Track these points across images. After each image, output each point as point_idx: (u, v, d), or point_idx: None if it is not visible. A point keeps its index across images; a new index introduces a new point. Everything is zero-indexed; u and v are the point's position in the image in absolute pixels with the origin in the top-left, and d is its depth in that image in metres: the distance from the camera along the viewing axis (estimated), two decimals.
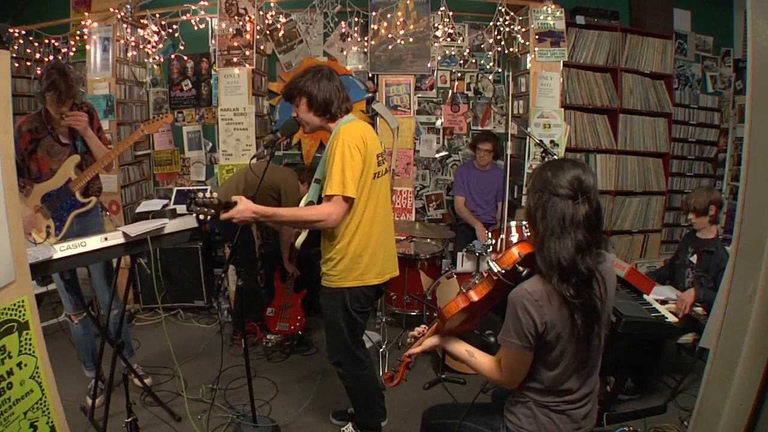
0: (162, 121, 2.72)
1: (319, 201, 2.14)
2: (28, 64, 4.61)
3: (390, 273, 2.22)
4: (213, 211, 1.83)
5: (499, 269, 1.40)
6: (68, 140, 2.61)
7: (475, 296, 1.46)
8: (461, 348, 1.57)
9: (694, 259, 2.91)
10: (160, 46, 4.30)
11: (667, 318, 2.41)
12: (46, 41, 4.28)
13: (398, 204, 4.14)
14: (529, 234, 3.08)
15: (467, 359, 1.54)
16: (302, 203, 2.20)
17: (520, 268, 1.41)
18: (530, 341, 1.35)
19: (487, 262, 1.45)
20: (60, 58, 4.31)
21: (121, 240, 2.13)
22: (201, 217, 1.84)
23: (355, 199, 1.98)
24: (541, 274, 1.34)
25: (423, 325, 1.68)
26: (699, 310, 2.69)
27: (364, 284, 2.12)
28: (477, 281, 1.54)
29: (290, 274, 3.46)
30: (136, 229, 2.17)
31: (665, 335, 2.60)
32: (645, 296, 2.61)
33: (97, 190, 2.78)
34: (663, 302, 2.67)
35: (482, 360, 1.52)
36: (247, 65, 3.83)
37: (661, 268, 3.33)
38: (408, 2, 3.94)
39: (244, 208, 1.86)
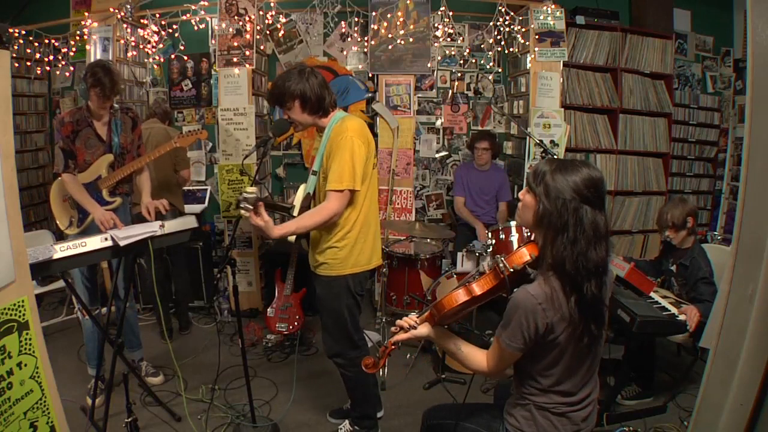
0: (196, 137, 2.76)
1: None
2: (28, 64, 4.62)
3: (378, 258, 2.31)
4: (251, 207, 1.88)
5: (509, 267, 1.39)
6: (106, 137, 2.67)
7: (477, 290, 1.45)
8: (450, 341, 1.57)
9: (674, 268, 2.89)
10: (160, 46, 4.30)
11: (678, 316, 2.40)
12: (46, 41, 4.28)
13: (398, 204, 4.14)
14: (530, 235, 3.08)
15: (454, 351, 1.54)
16: (300, 194, 2.25)
17: (530, 270, 1.41)
18: (527, 343, 1.36)
19: (497, 258, 1.43)
20: (60, 57, 4.32)
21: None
22: (247, 215, 1.88)
23: (359, 191, 2.08)
24: (546, 277, 1.34)
25: (413, 315, 1.66)
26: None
27: (362, 269, 2.21)
28: (477, 275, 1.52)
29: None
30: (125, 234, 2.18)
31: (678, 333, 2.59)
32: (653, 295, 2.60)
33: (125, 192, 2.83)
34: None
35: (468, 352, 1.53)
36: (247, 65, 3.83)
37: (644, 262, 3.29)
38: (408, 2, 3.94)
39: (269, 230, 1.94)
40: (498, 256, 1.44)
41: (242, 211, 1.87)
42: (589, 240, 1.29)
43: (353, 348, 2.27)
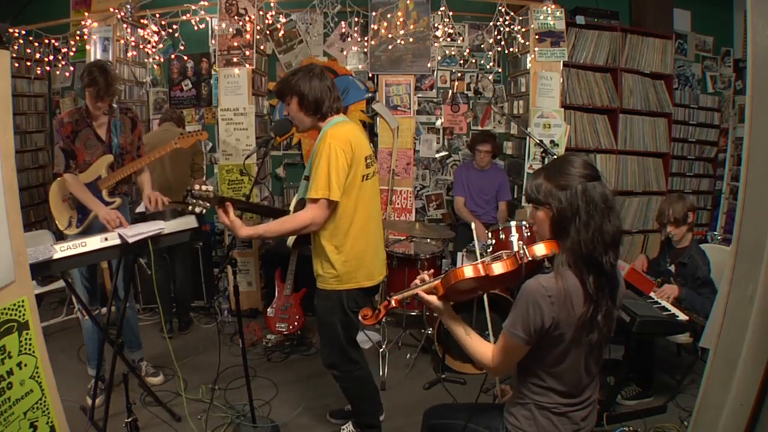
0: (196, 137, 2.75)
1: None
2: (28, 64, 4.62)
3: (380, 274, 2.24)
4: (209, 204, 1.95)
5: (528, 255, 1.38)
6: (105, 138, 2.67)
7: (494, 270, 1.43)
8: (460, 324, 1.54)
9: (673, 268, 2.88)
10: (160, 46, 4.30)
11: (678, 316, 2.40)
12: (46, 41, 4.28)
13: (398, 204, 4.14)
14: (533, 232, 3.07)
15: (462, 336, 1.52)
16: (294, 201, 2.24)
17: (547, 264, 1.41)
18: (531, 336, 1.34)
19: (519, 244, 1.42)
20: (60, 57, 4.32)
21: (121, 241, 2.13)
22: (197, 210, 1.93)
23: (339, 202, 2.00)
24: (561, 272, 1.33)
25: (430, 272, 1.63)
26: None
27: (359, 286, 2.14)
28: (491, 258, 1.49)
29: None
30: (133, 231, 2.17)
31: (678, 333, 2.60)
32: (653, 295, 2.61)
33: (125, 192, 2.83)
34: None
35: (477, 342, 1.50)
36: (247, 65, 3.83)
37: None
38: (408, 2, 3.94)
39: (235, 229, 1.99)
40: (520, 242, 1.43)
41: (189, 207, 1.93)
42: (603, 213, 1.31)
43: (349, 362, 2.25)
